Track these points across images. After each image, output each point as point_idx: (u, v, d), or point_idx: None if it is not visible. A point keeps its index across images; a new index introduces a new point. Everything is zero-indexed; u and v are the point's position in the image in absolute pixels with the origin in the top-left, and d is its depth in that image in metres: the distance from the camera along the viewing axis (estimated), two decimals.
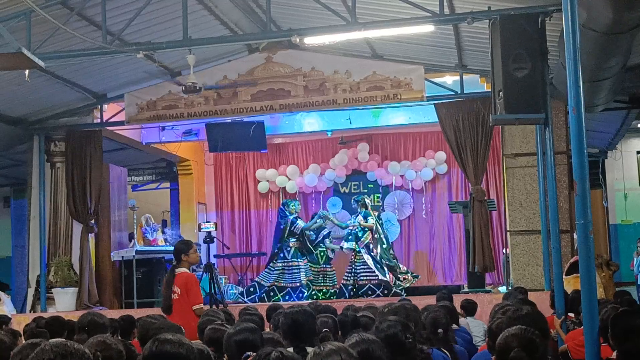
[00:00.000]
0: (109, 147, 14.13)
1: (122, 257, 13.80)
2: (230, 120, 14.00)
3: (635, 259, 15.49)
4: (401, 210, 16.36)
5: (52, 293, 12.94)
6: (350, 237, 13.77)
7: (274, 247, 14.51)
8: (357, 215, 13.89)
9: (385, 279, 13.23)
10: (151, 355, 3.19)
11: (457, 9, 9.78)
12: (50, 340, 2.79)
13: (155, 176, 17.91)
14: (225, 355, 4.33)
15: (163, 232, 15.04)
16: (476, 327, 8.30)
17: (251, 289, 14.02)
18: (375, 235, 13.68)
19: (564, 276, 9.16)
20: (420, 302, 8.94)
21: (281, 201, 15.56)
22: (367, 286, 13.29)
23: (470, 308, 8.74)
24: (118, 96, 13.31)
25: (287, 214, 14.20)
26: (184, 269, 7.58)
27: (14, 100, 12.35)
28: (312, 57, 12.46)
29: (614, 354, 4.28)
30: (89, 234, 13.31)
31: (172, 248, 13.20)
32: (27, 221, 13.78)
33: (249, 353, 4.04)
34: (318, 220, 14.27)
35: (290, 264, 13.92)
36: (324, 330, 5.25)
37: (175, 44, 10.26)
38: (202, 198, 17.09)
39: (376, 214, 14.25)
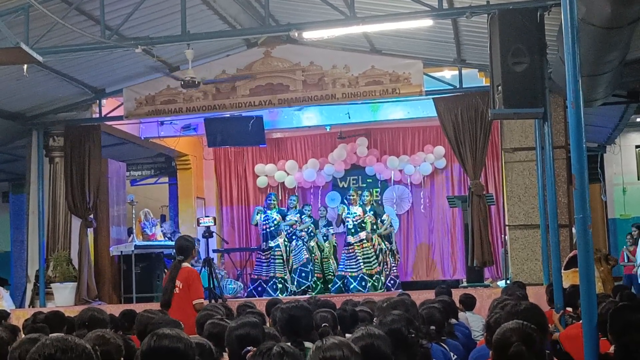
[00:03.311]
0: (107, 142, 14.11)
1: (121, 252, 13.80)
2: (229, 115, 13.99)
3: (625, 252, 15.49)
4: (400, 204, 16.37)
5: (51, 288, 12.94)
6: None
7: None
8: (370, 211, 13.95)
9: None
10: (149, 350, 3.20)
11: (456, 3, 9.78)
12: (51, 335, 2.79)
13: (154, 171, 17.89)
14: (226, 349, 4.33)
15: (162, 227, 15.05)
16: (475, 321, 8.32)
17: None
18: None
19: (562, 270, 9.17)
20: (419, 296, 8.99)
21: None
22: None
23: (468, 303, 8.75)
24: (116, 91, 13.30)
25: None
26: (187, 264, 7.63)
27: (12, 95, 12.32)
28: (311, 52, 12.45)
29: (612, 348, 4.28)
30: (88, 229, 13.31)
31: (171, 243, 13.34)
32: (25, 216, 13.77)
33: (249, 348, 4.04)
34: None
35: None
36: (323, 325, 5.25)
37: (174, 39, 10.26)
38: (201, 193, 17.09)
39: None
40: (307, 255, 14.21)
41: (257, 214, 14.38)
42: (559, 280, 7.40)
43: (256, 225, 14.63)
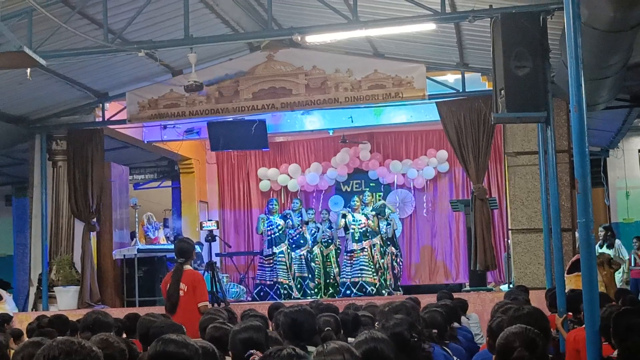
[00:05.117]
0: (110, 146, 14.13)
1: (124, 255, 13.80)
2: (231, 119, 14.00)
3: (632, 255, 15.44)
4: (403, 208, 16.36)
5: (53, 292, 12.95)
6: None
7: None
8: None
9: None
10: (156, 355, 3.21)
11: (459, 7, 9.78)
12: (57, 338, 2.80)
13: (157, 175, 17.93)
14: (230, 352, 4.34)
15: (165, 229, 15.05)
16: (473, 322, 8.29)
17: None
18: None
19: (565, 274, 9.15)
20: (422, 300, 8.97)
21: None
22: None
23: (462, 307, 8.68)
24: (119, 95, 13.32)
25: None
26: (189, 267, 7.61)
27: (15, 99, 12.35)
28: (314, 56, 12.46)
29: (615, 352, 4.27)
30: (91, 233, 13.33)
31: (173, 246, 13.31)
32: (28, 220, 13.77)
33: (252, 351, 4.05)
34: None
35: None
36: (326, 329, 5.25)
37: (177, 43, 10.27)
38: (204, 196, 17.09)
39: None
40: (308, 274, 14.13)
41: (262, 223, 14.27)
42: (562, 285, 7.38)
43: (262, 234, 14.46)
